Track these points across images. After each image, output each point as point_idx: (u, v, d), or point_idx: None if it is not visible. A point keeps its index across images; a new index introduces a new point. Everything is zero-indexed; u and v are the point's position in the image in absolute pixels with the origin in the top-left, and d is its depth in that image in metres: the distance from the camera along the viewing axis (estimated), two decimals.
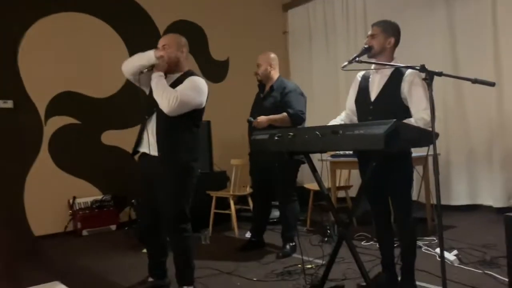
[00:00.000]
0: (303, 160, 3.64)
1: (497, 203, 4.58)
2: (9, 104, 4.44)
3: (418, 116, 2.36)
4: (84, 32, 4.93)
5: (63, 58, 4.77)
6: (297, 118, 3.55)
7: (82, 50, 4.90)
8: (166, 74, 2.72)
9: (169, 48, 2.72)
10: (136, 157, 2.84)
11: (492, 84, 2.08)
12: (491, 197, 4.67)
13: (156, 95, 2.61)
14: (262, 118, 3.51)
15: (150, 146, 2.65)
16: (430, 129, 2.11)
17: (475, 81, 2.05)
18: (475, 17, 4.71)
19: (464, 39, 4.82)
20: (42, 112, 4.67)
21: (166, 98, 2.54)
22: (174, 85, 2.67)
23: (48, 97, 4.71)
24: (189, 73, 2.78)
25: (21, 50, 4.55)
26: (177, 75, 2.76)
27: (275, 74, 3.73)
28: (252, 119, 3.58)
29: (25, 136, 4.55)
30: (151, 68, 2.67)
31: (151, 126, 2.67)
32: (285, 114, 3.53)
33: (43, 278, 3.17)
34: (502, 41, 4.52)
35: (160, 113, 2.63)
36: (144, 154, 2.73)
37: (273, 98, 3.64)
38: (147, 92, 2.79)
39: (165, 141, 2.63)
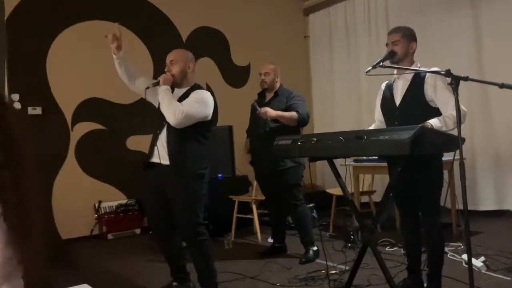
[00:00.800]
0: (303, 164, 3.70)
1: None
2: (38, 110, 4.58)
3: (447, 113, 2.39)
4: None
5: (89, 65, 4.89)
6: (304, 120, 3.66)
7: (107, 58, 4.93)
8: (173, 88, 2.81)
9: (176, 63, 2.82)
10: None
11: None
12: None
13: (162, 109, 2.71)
14: (271, 111, 3.56)
15: (161, 157, 2.74)
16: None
17: (502, 85, 2.02)
18: (501, 19, 4.63)
19: (490, 42, 4.75)
20: (69, 118, 4.80)
21: (172, 111, 2.64)
22: (181, 98, 2.76)
23: (74, 103, 4.84)
24: (196, 87, 2.87)
25: (49, 58, 4.70)
26: (184, 89, 2.84)
27: (278, 83, 3.84)
28: (257, 106, 3.62)
29: (53, 142, 4.67)
30: (157, 83, 2.77)
31: (162, 138, 2.76)
32: (294, 113, 3.60)
33: (71, 281, 3.24)
34: None
35: (169, 125, 2.72)
36: (155, 164, 2.79)
37: (278, 102, 3.73)
38: (156, 106, 2.90)
39: (176, 152, 2.71)
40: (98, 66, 4.93)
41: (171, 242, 2.91)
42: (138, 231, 4.93)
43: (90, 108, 4.91)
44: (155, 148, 2.78)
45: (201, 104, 2.74)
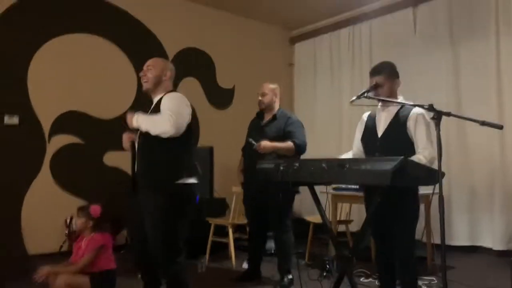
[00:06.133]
0: (297, 191, 3.65)
1: (497, 246, 4.54)
2: (15, 119, 4.47)
3: (417, 155, 2.44)
4: (94, 53, 5.01)
5: (72, 78, 4.83)
6: (302, 148, 3.58)
7: (91, 71, 4.97)
8: (151, 96, 2.75)
9: (152, 69, 2.74)
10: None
11: (500, 127, 2.10)
12: (491, 239, 4.64)
13: (151, 130, 2.53)
14: (266, 144, 3.49)
15: (139, 175, 2.65)
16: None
17: (483, 123, 2.06)
18: (479, 59, 4.80)
19: (468, 81, 4.90)
20: (46, 129, 4.69)
21: (161, 122, 2.50)
22: (157, 104, 2.66)
23: (53, 115, 4.74)
24: (170, 92, 2.75)
25: (31, 68, 4.61)
26: (159, 96, 2.72)
27: (277, 105, 3.78)
28: (253, 142, 3.56)
29: (28, 152, 4.55)
30: (128, 128, 2.67)
31: (138, 156, 2.67)
32: (290, 143, 3.53)
33: None
34: (505, 85, 4.59)
35: (141, 141, 2.63)
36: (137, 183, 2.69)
37: (275, 127, 3.65)
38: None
39: (146, 161, 2.60)
40: (80, 79, 4.89)
41: (149, 265, 2.71)
42: None
43: (68, 121, 4.82)
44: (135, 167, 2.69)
45: (180, 103, 2.61)
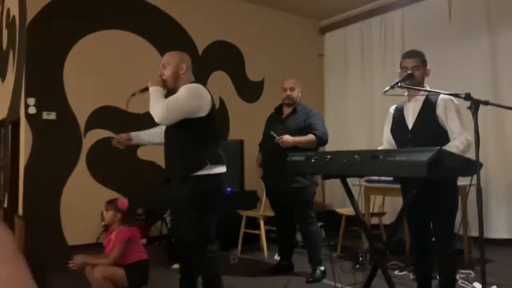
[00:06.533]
0: (317, 182, 3.67)
1: None
2: (52, 115, 4.63)
3: (453, 141, 2.39)
4: (126, 49, 5.11)
5: (105, 73, 4.95)
6: (323, 139, 3.62)
7: (123, 67, 5.07)
8: (172, 91, 2.69)
9: (168, 66, 2.72)
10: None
11: None
12: None
13: (150, 110, 2.58)
14: (287, 138, 3.51)
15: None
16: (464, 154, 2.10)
17: None
18: None
19: (506, 69, 4.72)
20: (82, 124, 4.83)
21: (156, 108, 2.52)
22: None
23: (88, 110, 4.88)
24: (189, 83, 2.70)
25: (66, 65, 4.76)
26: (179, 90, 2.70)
27: (299, 99, 3.82)
28: (275, 135, 3.57)
29: (65, 147, 4.70)
30: (146, 88, 2.67)
31: (165, 148, 2.72)
32: (311, 136, 3.56)
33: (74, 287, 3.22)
34: None
35: (168, 134, 2.68)
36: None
37: (296, 119, 3.69)
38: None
39: (173, 156, 2.65)
40: (114, 74, 5.00)
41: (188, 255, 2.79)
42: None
43: (103, 116, 4.95)
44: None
45: (187, 95, 2.54)
